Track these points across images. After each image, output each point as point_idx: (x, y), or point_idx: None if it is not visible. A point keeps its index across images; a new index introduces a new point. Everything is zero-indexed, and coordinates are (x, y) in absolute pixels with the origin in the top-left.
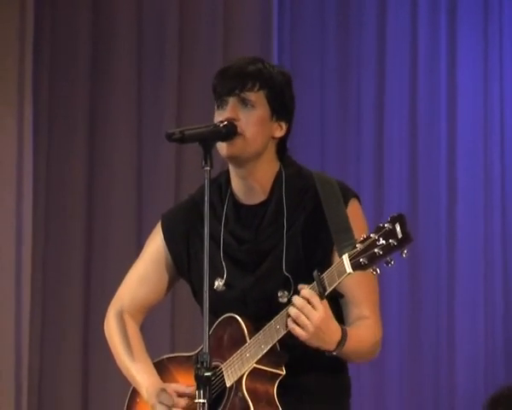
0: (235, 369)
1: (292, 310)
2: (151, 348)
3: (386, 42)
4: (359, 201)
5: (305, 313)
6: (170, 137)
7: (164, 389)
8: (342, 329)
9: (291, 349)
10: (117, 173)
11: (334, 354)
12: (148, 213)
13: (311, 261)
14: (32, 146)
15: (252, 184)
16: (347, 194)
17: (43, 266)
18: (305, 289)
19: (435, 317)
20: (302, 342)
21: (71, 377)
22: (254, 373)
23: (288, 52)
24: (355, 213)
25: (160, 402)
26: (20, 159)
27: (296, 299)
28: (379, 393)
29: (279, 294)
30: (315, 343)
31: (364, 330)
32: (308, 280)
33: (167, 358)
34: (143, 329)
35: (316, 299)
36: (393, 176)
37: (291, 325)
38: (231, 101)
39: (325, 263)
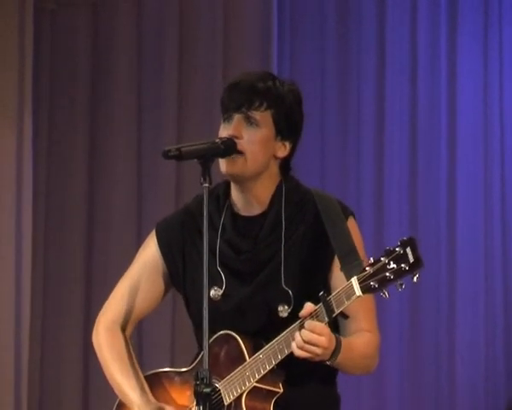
0: (235, 387)
1: (298, 340)
2: (151, 358)
3: (386, 47)
4: (355, 219)
5: (313, 342)
6: (167, 154)
7: (161, 408)
8: (337, 338)
9: (283, 366)
10: (117, 184)
11: (328, 363)
12: (148, 224)
13: (310, 274)
14: (32, 157)
15: (251, 198)
16: (346, 211)
17: (44, 275)
18: (308, 322)
19: (435, 319)
20: (295, 359)
21: (71, 381)
22: (253, 392)
23: (287, 58)
24: (353, 230)
25: None
26: (20, 170)
27: (304, 333)
28: (379, 394)
29: (279, 308)
30: (316, 359)
31: (361, 342)
32: (307, 293)
33: (159, 372)
34: (144, 339)
35: (320, 327)
36: (393, 181)
37: (298, 352)
38: (236, 118)
39: (324, 276)
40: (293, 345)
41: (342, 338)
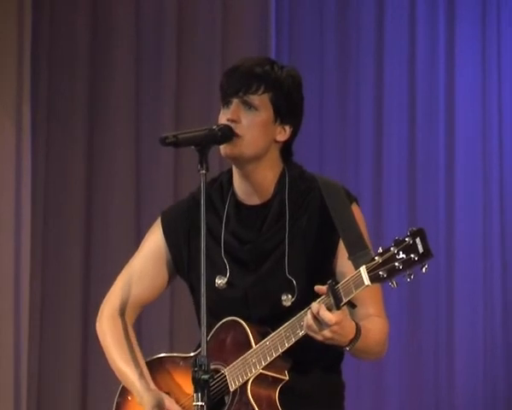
0: (241, 374)
1: (305, 324)
2: (150, 347)
3: (385, 40)
4: (358, 205)
5: (318, 326)
6: (164, 141)
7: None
8: (357, 326)
9: (289, 353)
10: (116, 173)
11: (347, 349)
12: (147, 212)
13: (314, 263)
14: (31, 147)
15: (253, 185)
16: (350, 197)
17: (42, 266)
18: (314, 304)
19: (434, 318)
20: (301, 347)
21: (70, 379)
22: (259, 378)
23: (286, 51)
24: (358, 217)
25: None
26: (19, 159)
27: (308, 318)
28: (379, 394)
29: (283, 297)
30: (330, 343)
31: (375, 328)
32: (311, 282)
33: (163, 357)
34: (142, 329)
35: (324, 312)
36: (392, 174)
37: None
38: (235, 102)
39: (329, 265)
40: (304, 324)
41: (361, 325)
